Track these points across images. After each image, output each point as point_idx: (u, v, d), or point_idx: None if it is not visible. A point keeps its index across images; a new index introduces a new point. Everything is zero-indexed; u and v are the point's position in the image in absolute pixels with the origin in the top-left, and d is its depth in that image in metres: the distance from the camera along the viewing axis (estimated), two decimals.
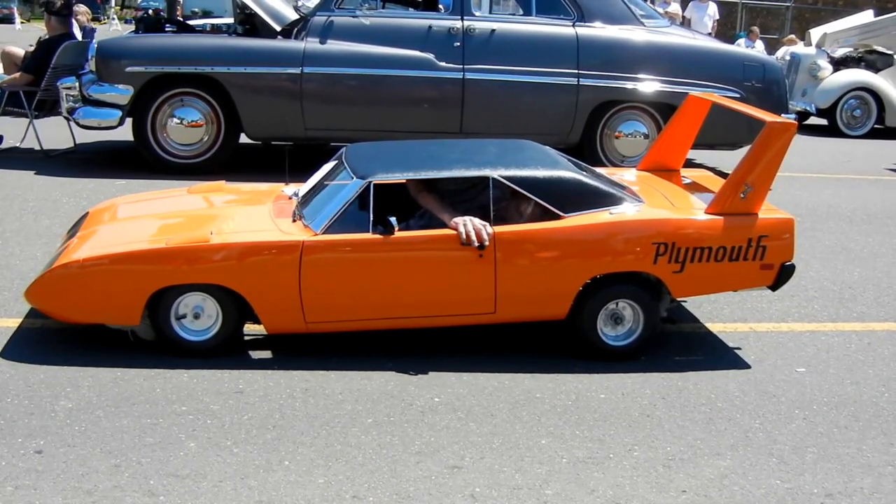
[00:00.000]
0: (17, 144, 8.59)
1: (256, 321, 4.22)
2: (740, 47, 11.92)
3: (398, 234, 4.12)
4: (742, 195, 4.37)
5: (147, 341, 4.20)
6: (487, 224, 4.14)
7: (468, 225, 4.12)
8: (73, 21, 9.22)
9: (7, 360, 4.06)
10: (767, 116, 4.50)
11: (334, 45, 7.71)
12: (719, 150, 8.44)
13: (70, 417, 3.61)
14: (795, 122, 4.58)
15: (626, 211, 4.37)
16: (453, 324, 4.35)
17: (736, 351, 4.62)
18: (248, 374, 4.05)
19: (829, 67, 12.81)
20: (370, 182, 4.17)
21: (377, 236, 4.10)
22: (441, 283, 4.19)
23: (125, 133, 8.00)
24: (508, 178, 4.26)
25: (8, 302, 4.74)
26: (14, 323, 4.46)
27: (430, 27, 7.85)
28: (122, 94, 7.56)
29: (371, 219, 4.10)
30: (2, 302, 4.75)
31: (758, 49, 14.88)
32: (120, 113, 7.61)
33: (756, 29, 16.63)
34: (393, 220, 4.08)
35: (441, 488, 3.25)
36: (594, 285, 4.28)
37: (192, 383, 3.94)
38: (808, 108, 12.62)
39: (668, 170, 5.23)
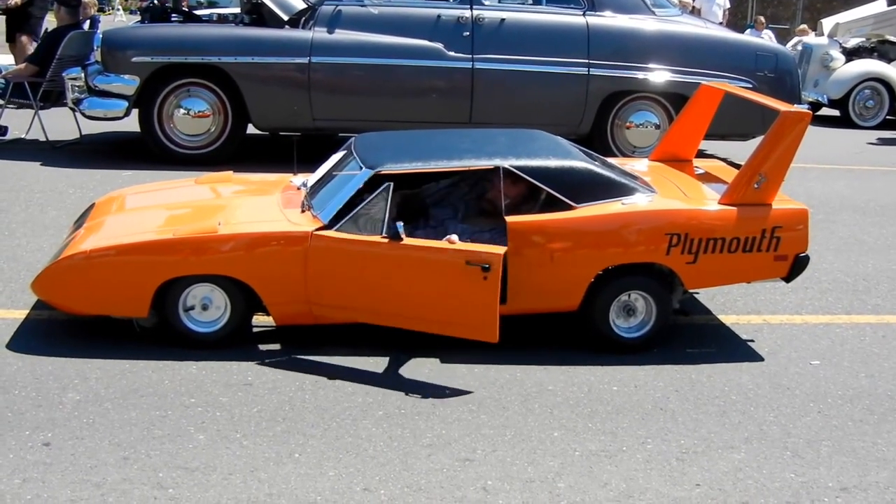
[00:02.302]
0: (23, 136, 8.57)
1: (265, 312, 4.19)
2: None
3: (406, 240, 4.00)
4: (756, 185, 4.32)
5: (153, 330, 4.18)
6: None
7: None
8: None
9: (14, 352, 4.04)
10: (782, 106, 4.45)
11: (342, 35, 7.66)
12: (731, 140, 8.37)
13: (78, 409, 3.58)
14: (810, 112, 4.52)
15: (638, 201, 4.32)
16: None
17: (749, 343, 4.57)
18: (257, 366, 4.02)
19: (842, 58, 12.70)
20: (379, 172, 4.12)
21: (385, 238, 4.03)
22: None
23: (131, 124, 7.97)
24: (519, 168, 4.21)
25: (15, 293, 4.71)
26: (21, 314, 4.44)
27: (438, 16, 7.80)
28: (128, 84, 7.52)
29: (385, 217, 4.00)
30: (9, 293, 4.73)
31: (765, 39, 14.77)
32: (126, 103, 7.57)
33: (762, 18, 16.49)
34: (400, 226, 3.96)
35: (453, 481, 3.22)
36: (606, 276, 4.24)
37: (200, 375, 3.91)
38: (820, 99, 12.52)
39: (680, 160, 5.18)
